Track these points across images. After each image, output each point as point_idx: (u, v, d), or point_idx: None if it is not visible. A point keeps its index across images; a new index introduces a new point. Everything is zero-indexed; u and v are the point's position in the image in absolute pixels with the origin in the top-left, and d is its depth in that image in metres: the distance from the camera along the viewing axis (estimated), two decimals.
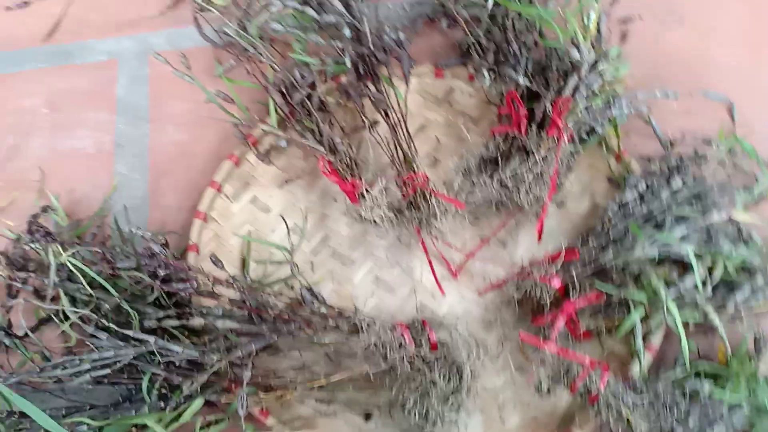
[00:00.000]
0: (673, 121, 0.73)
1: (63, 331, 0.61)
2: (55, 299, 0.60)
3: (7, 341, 0.63)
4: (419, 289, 0.68)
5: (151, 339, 0.57)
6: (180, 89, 0.78)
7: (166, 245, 0.60)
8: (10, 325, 0.64)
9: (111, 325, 0.57)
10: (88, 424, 0.56)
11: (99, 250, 0.60)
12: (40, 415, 0.53)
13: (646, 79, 0.74)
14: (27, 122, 0.80)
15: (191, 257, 0.68)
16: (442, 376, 0.58)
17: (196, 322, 0.59)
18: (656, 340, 0.61)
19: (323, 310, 0.61)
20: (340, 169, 0.69)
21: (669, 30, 0.79)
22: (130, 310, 0.59)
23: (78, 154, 0.78)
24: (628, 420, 0.55)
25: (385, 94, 0.72)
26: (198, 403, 0.57)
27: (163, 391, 0.58)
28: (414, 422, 0.57)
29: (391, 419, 0.59)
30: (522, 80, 0.68)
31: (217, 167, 0.73)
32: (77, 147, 0.78)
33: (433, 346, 0.60)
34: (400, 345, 0.59)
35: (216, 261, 0.62)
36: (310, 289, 0.63)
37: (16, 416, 0.56)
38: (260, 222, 0.72)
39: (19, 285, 0.63)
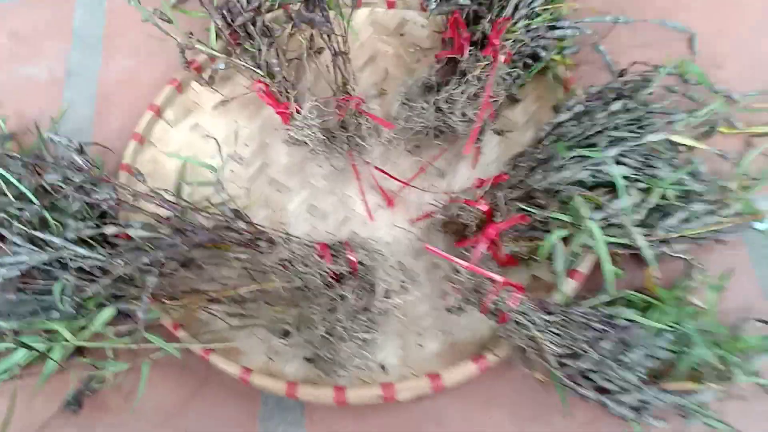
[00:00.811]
0: (628, 54, 0.69)
1: None
2: None
3: None
4: (353, 217, 0.66)
5: (57, 240, 0.56)
6: (135, 22, 0.76)
7: (82, 151, 0.59)
8: None
9: (25, 228, 0.56)
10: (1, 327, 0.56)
11: (27, 161, 0.60)
12: None
13: (605, 7, 0.71)
14: None
15: (123, 177, 0.68)
16: (352, 293, 0.56)
17: (110, 230, 0.58)
18: (584, 267, 0.58)
19: (242, 226, 0.60)
20: (276, 92, 0.67)
21: None
22: (48, 217, 0.59)
23: (31, 81, 0.78)
24: (537, 341, 0.52)
25: (329, 21, 0.70)
26: (108, 311, 0.57)
27: (78, 300, 0.58)
28: (319, 337, 0.55)
29: (302, 335, 0.58)
30: (464, 0, 0.66)
31: None
32: (31, 75, 0.79)
33: (353, 266, 0.58)
34: (316, 261, 0.57)
35: (137, 173, 0.61)
36: (233, 209, 0.62)
37: None
38: (200, 148, 0.71)
39: None
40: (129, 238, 0.60)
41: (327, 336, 0.55)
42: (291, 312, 0.59)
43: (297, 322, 0.58)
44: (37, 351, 0.57)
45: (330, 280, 0.57)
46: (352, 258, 0.58)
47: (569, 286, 0.57)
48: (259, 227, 0.60)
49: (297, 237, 0.60)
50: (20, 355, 0.57)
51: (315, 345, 0.56)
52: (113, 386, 0.60)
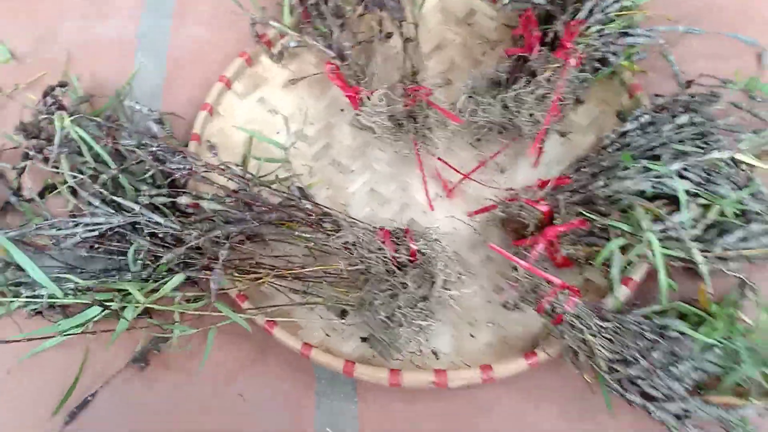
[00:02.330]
0: (696, 64, 0.70)
1: (66, 202, 0.64)
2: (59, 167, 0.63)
3: (14, 201, 0.66)
4: (412, 204, 0.68)
5: (136, 207, 0.59)
6: None
7: (161, 122, 0.61)
8: (20, 188, 0.68)
9: (104, 192, 0.59)
10: (76, 283, 0.59)
11: (103, 123, 0.62)
12: (30, 265, 0.56)
13: (678, 17, 0.71)
14: (62, 7, 0.82)
15: (192, 146, 0.70)
16: (413, 281, 0.58)
17: (183, 200, 0.61)
18: (637, 275, 0.60)
19: (308, 206, 0.62)
20: (346, 75, 0.69)
21: None
22: (125, 183, 0.61)
23: (104, 41, 0.80)
24: (590, 345, 0.54)
25: (401, 6, 0.71)
26: (178, 277, 0.60)
27: (149, 264, 0.61)
28: (379, 321, 0.57)
29: (361, 317, 0.60)
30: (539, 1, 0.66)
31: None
32: (103, 34, 0.80)
33: (412, 254, 0.60)
34: (379, 248, 0.59)
35: (211, 147, 0.63)
36: (299, 187, 0.64)
37: (12, 267, 0.60)
38: (266, 122, 0.73)
39: (32, 152, 0.66)
40: (198, 207, 0.62)
41: (386, 320, 0.57)
42: (352, 294, 0.61)
43: (357, 304, 0.60)
44: (110, 309, 0.60)
45: (392, 266, 0.60)
46: (413, 247, 0.60)
47: (623, 293, 0.58)
48: (324, 208, 0.63)
49: (360, 221, 0.62)
50: (94, 311, 0.60)
51: (373, 327, 0.59)
52: (178, 347, 0.62)
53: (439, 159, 0.68)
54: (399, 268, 0.60)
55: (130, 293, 0.61)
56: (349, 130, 0.72)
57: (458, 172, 0.68)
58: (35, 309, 0.63)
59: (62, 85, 0.71)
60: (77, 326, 0.60)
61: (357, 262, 0.60)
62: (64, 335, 0.60)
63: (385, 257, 0.59)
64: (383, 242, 0.60)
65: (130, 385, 0.62)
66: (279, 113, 0.73)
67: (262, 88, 0.75)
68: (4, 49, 0.79)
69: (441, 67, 0.75)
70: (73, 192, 0.64)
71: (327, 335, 0.63)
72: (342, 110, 0.73)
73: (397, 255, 0.60)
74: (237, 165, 0.63)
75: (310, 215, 0.62)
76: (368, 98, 0.67)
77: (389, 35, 0.74)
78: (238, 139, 0.72)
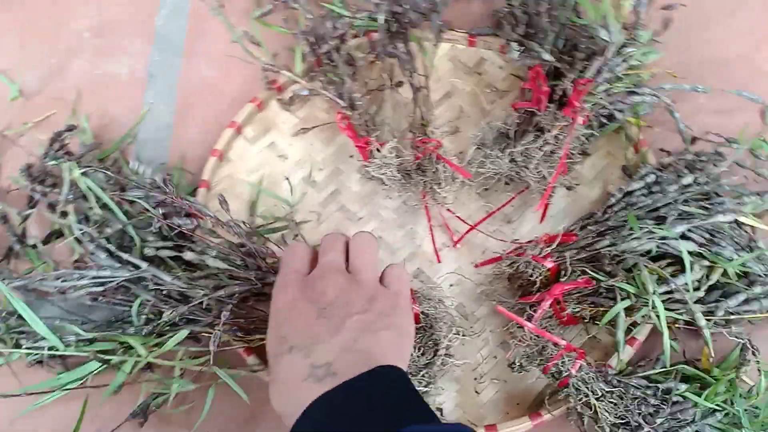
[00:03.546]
0: (702, 119, 0.71)
1: (72, 249, 0.64)
2: (67, 215, 0.63)
3: (18, 248, 0.67)
4: (419, 253, 0.69)
5: (144, 264, 0.59)
6: (217, 29, 0.78)
7: (166, 182, 0.62)
8: (24, 234, 0.68)
9: (110, 246, 0.60)
10: (77, 334, 0.60)
11: (112, 175, 0.63)
12: (31, 317, 0.57)
13: (683, 74, 0.72)
14: (71, 45, 0.82)
15: (201, 193, 0.70)
16: (417, 348, 0.59)
17: (189, 256, 0.61)
18: (640, 335, 0.61)
19: None
20: (356, 125, 0.69)
21: (716, 25, 0.77)
22: (133, 234, 0.62)
23: (113, 79, 0.80)
24: (595, 408, 0.55)
25: (412, 55, 0.72)
26: (182, 333, 0.60)
27: (152, 318, 0.61)
28: None
29: None
30: (547, 56, 0.68)
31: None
32: (113, 72, 0.81)
33: (416, 318, 0.60)
34: None
35: (223, 202, 0.63)
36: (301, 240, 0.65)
37: (14, 317, 0.61)
38: (275, 168, 0.74)
39: (37, 197, 0.66)
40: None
41: None
42: None
43: None
44: (110, 364, 0.60)
45: None
46: (416, 309, 0.59)
47: (627, 354, 0.59)
48: None
49: None
50: (94, 364, 0.60)
51: None
52: (176, 405, 0.62)
53: (447, 210, 0.69)
54: None
55: (131, 347, 0.61)
56: (358, 177, 0.73)
57: (465, 222, 0.69)
58: (35, 359, 0.63)
59: (70, 129, 0.71)
60: (76, 380, 0.60)
61: None
62: (63, 390, 0.60)
63: None
64: None
65: None
66: (291, 160, 0.74)
67: (272, 133, 0.75)
68: (13, 86, 0.79)
69: (449, 115, 0.75)
70: (79, 241, 0.64)
71: None
72: (351, 157, 0.74)
73: None
74: (243, 222, 0.63)
75: None
76: (378, 150, 0.67)
77: (399, 84, 0.74)
78: (245, 185, 0.73)
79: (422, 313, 0.60)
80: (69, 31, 0.83)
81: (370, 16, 0.77)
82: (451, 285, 0.67)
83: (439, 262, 0.68)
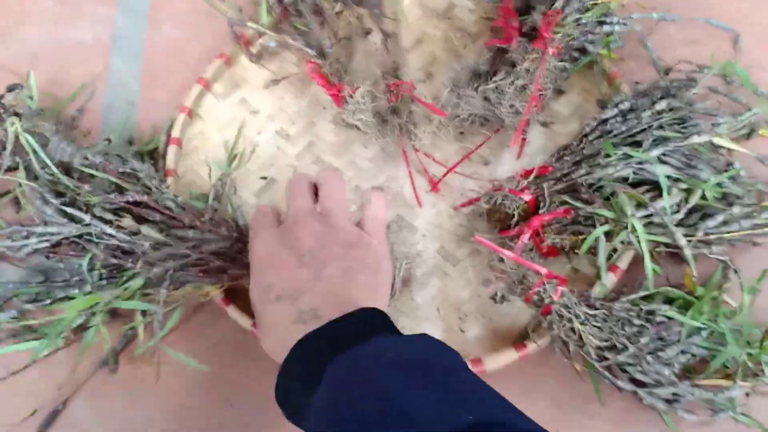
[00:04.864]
0: (674, 50, 0.70)
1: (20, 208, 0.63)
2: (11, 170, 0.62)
3: None
4: (399, 200, 0.68)
5: (87, 217, 0.58)
6: None
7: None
8: None
9: (54, 200, 0.58)
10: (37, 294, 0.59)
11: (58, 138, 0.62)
12: None
13: (653, 3, 0.71)
14: (31, 11, 0.81)
15: (172, 150, 0.69)
16: None
17: (126, 222, 0.60)
18: (622, 262, 0.60)
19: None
20: (328, 74, 0.68)
21: None
22: (77, 195, 0.61)
23: (76, 45, 0.79)
24: (579, 333, 0.55)
25: (380, 2, 0.71)
26: (138, 281, 0.59)
27: (103, 272, 0.60)
28: None
29: None
30: None
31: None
32: (75, 38, 0.79)
33: None
34: None
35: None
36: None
37: None
38: (247, 123, 0.73)
39: None
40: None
41: None
42: None
43: None
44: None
45: None
46: None
47: (610, 280, 0.59)
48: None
49: None
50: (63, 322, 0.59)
51: None
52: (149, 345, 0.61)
53: (424, 154, 0.68)
54: None
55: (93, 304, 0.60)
56: (332, 127, 0.72)
57: (443, 165, 0.69)
58: None
59: (12, 88, 0.69)
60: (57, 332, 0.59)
61: None
62: (43, 341, 0.59)
63: None
64: None
65: (105, 390, 0.61)
66: (262, 115, 0.73)
67: (243, 88, 0.74)
68: None
69: (422, 62, 0.75)
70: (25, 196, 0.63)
71: None
72: (324, 108, 0.73)
73: None
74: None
75: None
76: (351, 96, 0.66)
77: (369, 31, 0.73)
78: (218, 140, 0.72)
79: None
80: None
81: None
82: (433, 227, 0.67)
83: (420, 206, 0.67)
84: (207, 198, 0.65)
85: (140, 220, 0.61)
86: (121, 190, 0.62)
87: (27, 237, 0.59)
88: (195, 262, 0.59)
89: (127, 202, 0.60)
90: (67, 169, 0.64)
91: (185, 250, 0.57)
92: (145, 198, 0.60)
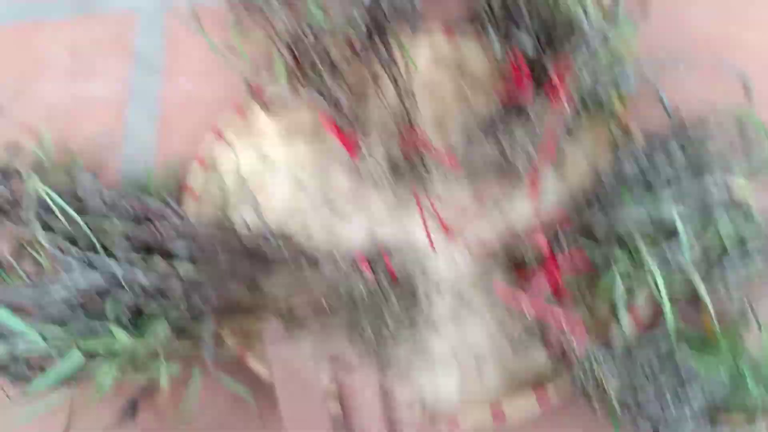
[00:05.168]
0: (685, 93, 0.72)
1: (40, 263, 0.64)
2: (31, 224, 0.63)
3: None
4: (412, 245, 0.69)
5: (115, 264, 0.59)
6: (195, 43, 0.80)
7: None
8: None
9: (77, 249, 0.59)
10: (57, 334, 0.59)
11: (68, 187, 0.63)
12: (7, 315, 0.56)
13: (664, 52, 0.73)
14: (47, 69, 0.82)
15: (190, 201, 0.70)
16: (397, 300, 0.61)
17: (156, 262, 0.61)
18: (640, 303, 0.60)
19: (283, 247, 0.63)
20: (342, 124, 0.70)
21: (695, 4, 0.78)
22: (98, 244, 0.61)
23: (90, 100, 0.80)
24: (600, 378, 0.55)
25: (392, 53, 0.72)
26: (162, 324, 0.59)
27: (129, 316, 0.60)
28: (370, 343, 0.60)
29: (351, 342, 0.62)
30: (527, 42, 0.68)
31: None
32: (90, 94, 0.81)
33: (392, 276, 0.62)
34: (360, 275, 0.61)
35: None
36: (274, 231, 0.65)
37: None
38: (261, 171, 0.74)
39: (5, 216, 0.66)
40: None
41: (376, 340, 0.60)
42: (340, 321, 0.62)
43: (347, 330, 0.62)
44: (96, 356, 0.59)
45: (372, 289, 0.61)
46: (390, 268, 0.62)
47: (628, 323, 0.59)
48: (299, 246, 0.64)
49: (338, 252, 0.64)
50: (77, 355, 0.59)
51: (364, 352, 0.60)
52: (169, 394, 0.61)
53: (438, 199, 0.69)
54: (381, 290, 0.61)
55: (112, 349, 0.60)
56: (345, 175, 0.73)
57: (457, 211, 0.69)
58: (15, 375, 0.61)
59: (12, 151, 0.71)
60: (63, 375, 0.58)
61: (340, 292, 0.61)
62: (53, 386, 0.58)
63: (365, 282, 0.61)
64: (360, 266, 0.61)
65: None
66: (276, 163, 0.74)
67: (256, 137, 0.75)
68: None
69: (433, 110, 0.76)
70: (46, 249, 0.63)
71: None
72: (336, 155, 0.74)
73: (375, 276, 0.61)
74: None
75: (287, 253, 0.63)
76: (366, 146, 0.67)
77: (381, 81, 0.75)
78: (231, 188, 0.73)
79: (397, 271, 0.62)
80: (44, 57, 0.83)
81: (347, 18, 0.78)
82: (447, 272, 0.67)
83: (434, 251, 0.68)
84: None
85: (165, 254, 0.61)
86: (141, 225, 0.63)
87: (51, 287, 0.59)
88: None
89: (150, 232, 0.60)
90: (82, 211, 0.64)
91: (219, 278, 0.57)
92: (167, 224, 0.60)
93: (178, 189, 0.72)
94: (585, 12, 0.66)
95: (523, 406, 0.58)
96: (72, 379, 0.59)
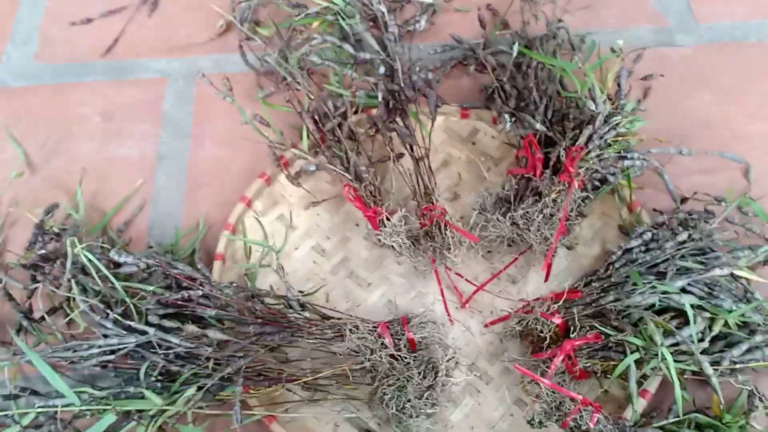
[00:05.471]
0: (689, 179, 0.75)
1: (72, 320, 0.66)
2: (71, 289, 0.65)
3: (25, 323, 0.68)
4: (430, 315, 0.71)
5: (151, 330, 0.61)
6: (222, 110, 0.83)
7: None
8: (30, 310, 0.70)
9: (115, 315, 0.62)
10: (92, 394, 0.60)
11: (102, 248, 0.66)
12: (51, 374, 0.57)
13: (669, 137, 0.77)
14: (81, 129, 0.86)
15: (217, 266, 0.72)
16: (418, 373, 0.62)
17: (190, 329, 0.63)
18: (652, 386, 0.63)
19: (308, 315, 0.66)
20: (364, 196, 0.73)
21: (696, 93, 0.83)
22: (130, 304, 0.63)
23: (122, 161, 0.83)
24: None
25: (411, 129, 0.76)
26: (191, 391, 0.61)
27: (161, 379, 0.62)
28: (391, 414, 0.61)
29: (372, 412, 0.64)
30: (539, 126, 0.72)
31: (249, 184, 0.77)
32: (122, 155, 0.84)
33: (412, 344, 0.64)
34: (382, 344, 0.63)
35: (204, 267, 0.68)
36: (296, 299, 0.68)
37: (27, 393, 0.61)
38: (285, 239, 0.76)
39: (41, 275, 0.68)
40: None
41: (397, 413, 0.61)
42: (361, 389, 0.65)
43: (368, 400, 0.64)
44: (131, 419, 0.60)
45: (393, 360, 0.63)
46: (410, 336, 0.64)
47: (640, 405, 0.61)
48: (324, 312, 0.67)
49: (362, 319, 0.66)
50: (111, 418, 0.60)
51: (385, 421, 0.63)
52: None
53: (455, 273, 0.72)
54: (402, 360, 0.63)
55: (143, 410, 0.61)
56: (365, 243, 0.76)
57: (473, 284, 0.72)
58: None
59: (49, 211, 0.75)
60: None
61: (362, 360, 0.63)
62: None
63: (386, 353, 0.63)
64: (382, 336, 0.63)
65: None
66: (299, 231, 0.76)
67: (280, 205, 0.78)
68: (21, 158, 0.81)
69: (449, 182, 0.79)
70: (86, 312, 0.65)
71: None
72: (357, 225, 0.77)
73: (397, 347, 0.63)
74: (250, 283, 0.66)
75: (311, 322, 0.65)
76: (387, 219, 0.70)
77: (401, 156, 0.78)
78: (258, 255, 0.75)
79: (417, 342, 0.64)
80: (79, 118, 0.86)
81: (368, 94, 0.82)
82: (463, 345, 0.69)
83: (452, 323, 0.70)
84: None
85: (195, 320, 0.64)
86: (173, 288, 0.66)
87: (88, 350, 0.61)
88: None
89: (183, 300, 0.63)
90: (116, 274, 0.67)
91: (249, 344, 0.59)
92: (200, 292, 0.63)
93: (204, 250, 0.75)
94: (592, 98, 0.70)
95: None
96: None
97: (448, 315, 0.71)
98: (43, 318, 0.68)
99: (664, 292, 0.62)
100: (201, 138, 0.85)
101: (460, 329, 0.70)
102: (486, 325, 0.70)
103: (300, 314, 0.67)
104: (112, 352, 0.62)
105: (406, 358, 0.63)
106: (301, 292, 0.72)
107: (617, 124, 0.71)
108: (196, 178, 0.82)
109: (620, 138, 0.71)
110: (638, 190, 0.75)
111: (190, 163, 0.83)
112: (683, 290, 0.63)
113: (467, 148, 0.81)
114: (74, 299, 0.65)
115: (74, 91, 0.88)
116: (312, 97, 0.78)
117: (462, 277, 0.72)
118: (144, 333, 0.62)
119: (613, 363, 0.62)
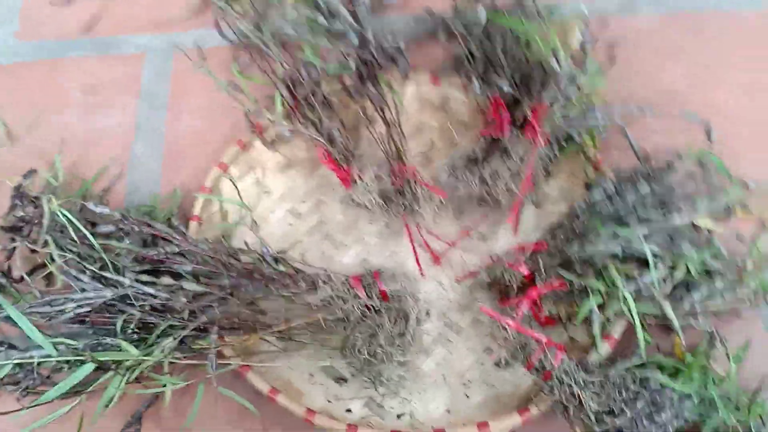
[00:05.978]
0: (652, 139, 0.78)
1: (50, 279, 0.67)
2: (47, 246, 0.66)
3: (3, 281, 0.69)
4: (403, 272, 0.73)
5: (126, 280, 0.62)
6: (199, 83, 0.85)
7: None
8: (9, 270, 0.71)
9: (92, 267, 0.63)
10: (69, 345, 0.61)
11: (82, 206, 0.67)
12: (27, 326, 0.59)
13: (631, 101, 0.79)
14: (62, 102, 0.87)
15: (193, 226, 0.74)
16: (389, 319, 0.64)
17: (165, 281, 0.64)
18: (615, 331, 0.64)
19: (282, 268, 0.68)
20: (337, 158, 0.74)
21: (667, 62, 0.85)
22: (109, 262, 0.65)
23: (101, 132, 0.85)
24: (579, 398, 0.58)
25: (383, 95, 0.78)
26: (169, 342, 0.62)
27: (138, 332, 0.64)
28: (363, 360, 0.63)
29: (345, 359, 0.66)
30: (506, 87, 0.74)
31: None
32: (101, 126, 0.85)
33: (384, 296, 0.66)
34: (355, 296, 0.65)
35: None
36: (271, 253, 0.69)
37: (5, 347, 0.62)
38: (261, 203, 0.78)
39: (19, 237, 0.69)
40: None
41: (369, 358, 0.63)
42: (335, 339, 0.67)
43: (340, 348, 0.66)
44: (108, 367, 0.61)
45: (365, 310, 0.65)
46: (382, 288, 0.66)
47: (604, 349, 0.63)
48: (297, 267, 0.69)
49: (333, 273, 0.67)
50: (90, 367, 0.61)
51: (357, 368, 0.64)
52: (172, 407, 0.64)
53: (427, 231, 0.74)
54: (374, 311, 0.65)
55: (121, 361, 0.62)
56: (340, 206, 0.77)
57: (444, 241, 0.74)
58: (26, 387, 0.64)
59: (27, 175, 0.76)
60: (75, 387, 0.61)
61: (336, 311, 0.65)
62: (62, 396, 0.61)
63: (359, 304, 0.64)
64: (354, 288, 0.65)
65: None
66: (275, 195, 0.78)
67: (256, 170, 0.80)
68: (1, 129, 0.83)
69: (421, 148, 0.81)
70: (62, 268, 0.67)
71: (329, 401, 0.65)
72: (333, 189, 0.78)
73: (369, 298, 0.65)
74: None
75: (285, 277, 0.67)
76: (360, 179, 0.72)
77: (373, 121, 0.80)
78: (233, 218, 0.77)
79: (389, 293, 0.66)
80: (60, 92, 0.88)
81: (341, 63, 0.83)
82: (435, 298, 0.71)
83: (423, 276, 0.72)
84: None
85: (174, 275, 0.65)
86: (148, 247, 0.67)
87: (64, 304, 0.62)
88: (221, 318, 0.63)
89: (159, 256, 0.64)
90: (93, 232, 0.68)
91: (224, 294, 0.61)
92: (176, 248, 0.64)
93: (182, 216, 0.76)
94: (556, 58, 0.72)
95: (507, 424, 0.61)
96: (82, 391, 0.61)
97: (419, 267, 0.72)
98: (22, 278, 0.69)
99: (627, 240, 0.64)
100: (178, 110, 0.86)
101: (432, 284, 0.72)
102: (457, 280, 0.72)
103: (275, 268, 0.68)
104: (89, 305, 0.63)
105: (377, 306, 0.64)
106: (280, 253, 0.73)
107: (580, 84, 0.72)
108: (174, 148, 0.83)
109: (584, 97, 0.72)
110: (603, 149, 0.76)
111: (168, 134, 0.84)
112: (645, 238, 0.65)
113: (439, 114, 0.83)
114: (53, 260, 0.67)
115: (55, 67, 0.90)
116: (286, 65, 0.79)
117: (434, 234, 0.74)
118: (121, 285, 0.63)
119: (578, 309, 0.64)
